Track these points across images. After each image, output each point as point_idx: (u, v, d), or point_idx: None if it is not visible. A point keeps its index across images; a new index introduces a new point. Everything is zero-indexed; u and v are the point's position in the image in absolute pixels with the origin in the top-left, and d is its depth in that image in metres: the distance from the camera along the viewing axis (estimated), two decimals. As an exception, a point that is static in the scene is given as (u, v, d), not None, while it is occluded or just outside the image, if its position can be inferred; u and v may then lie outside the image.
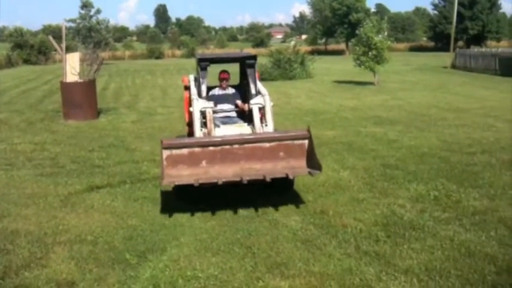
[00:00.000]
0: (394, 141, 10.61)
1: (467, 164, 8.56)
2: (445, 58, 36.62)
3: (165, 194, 7.01)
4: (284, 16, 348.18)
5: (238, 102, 7.83)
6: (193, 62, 8.59)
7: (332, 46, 76.58)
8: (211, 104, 7.09)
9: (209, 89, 7.71)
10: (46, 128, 12.88)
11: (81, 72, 14.46)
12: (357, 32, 25.17)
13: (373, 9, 71.75)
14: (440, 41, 64.54)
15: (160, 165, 6.09)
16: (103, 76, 27.46)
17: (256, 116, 7.03)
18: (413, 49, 70.25)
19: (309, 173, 6.18)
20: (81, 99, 14.00)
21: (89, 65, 14.92)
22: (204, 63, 7.35)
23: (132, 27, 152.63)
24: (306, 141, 6.31)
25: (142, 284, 4.57)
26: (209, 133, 6.75)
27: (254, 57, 7.61)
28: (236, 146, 6.19)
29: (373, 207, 6.58)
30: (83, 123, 13.46)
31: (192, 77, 7.93)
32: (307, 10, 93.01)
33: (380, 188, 7.39)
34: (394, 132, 11.66)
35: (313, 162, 6.19)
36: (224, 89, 8.01)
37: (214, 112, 7.32)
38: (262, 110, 7.16)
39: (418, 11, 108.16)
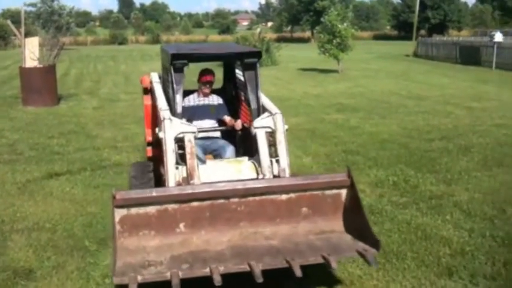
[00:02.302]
0: (356, 128, 10.77)
1: (426, 150, 8.77)
2: (408, 46, 37.21)
3: (126, 180, 6.94)
4: (250, 3, 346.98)
5: (226, 118, 5.61)
6: (158, 48, 7.70)
7: (298, 34, 76.84)
8: (192, 127, 4.55)
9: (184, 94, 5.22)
10: (4, 115, 12.53)
11: (41, 57, 14.09)
12: (321, 19, 25.25)
13: (338, -3, 72.06)
14: (403, 30, 65.53)
15: (112, 233, 3.75)
16: (64, 62, 26.86)
17: (263, 145, 4.56)
18: (377, 37, 71.04)
19: (360, 254, 3.77)
20: (41, 85, 13.66)
21: (48, 50, 14.55)
22: (179, 61, 4.71)
23: (95, 12, 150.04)
24: (344, 191, 4.13)
25: (101, 271, 4.53)
26: (191, 175, 4.29)
27: (257, 54, 5.02)
28: (235, 199, 3.98)
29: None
30: (43, 109, 13.15)
31: (155, 76, 5.84)
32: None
33: (341, 173, 7.49)
34: (356, 119, 11.83)
35: (361, 230, 3.92)
36: (205, 96, 5.71)
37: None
38: (271, 136, 4.73)
39: (382, 0, 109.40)
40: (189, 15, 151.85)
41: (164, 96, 5.09)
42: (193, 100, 5.68)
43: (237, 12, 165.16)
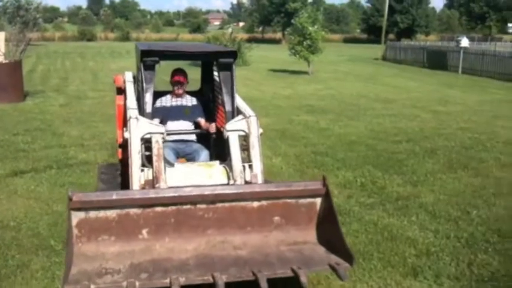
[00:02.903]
0: (325, 130, 10.87)
1: (393, 152, 8.91)
2: (377, 50, 37.78)
3: (93, 179, 6.84)
4: (222, 2, 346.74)
5: (201, 120, 5.39)
6: (128, 46, 7.64)
7: (269, 35, 77.13)
8: (160, 127, 4.30)
9: (156, 95, 5.09)
10: (-33, 110, 12.20)
11: (7, 52, 13.75)
12: (292, 21, 25.41)
13: (309, 0, 72.56)
14: (372, 33, 66.57)
15: (67, 237, 3.49)
16: (30, 57, 26.31)
17: (235, 149, 4.31)
18: (347, 40, 71.89)
19: (332, 268, 3.54)
20: (6, 81, 13.32)
21: (15, 45, 14.21)
22: (150, 59, 4.53)
23: (63, 7, 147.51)
24: (319, 200, 3.90)
25: (67, 271, 4.46)
26: (157, 178, 4.00)
27: (233, 54, 4.82)
28: (202, 205, 3.70)
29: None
30: (8, 106, 12.82)
31: (129, 76, 5.56)
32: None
33: (310, 174, 7.56)
34: (325, 120, 11.93)
35: (335, 243, 3.69)
36: (178, 97, 5.50)
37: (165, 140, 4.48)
38: (244, 140, 4.52)
39: (353, 4, 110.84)
40: (160, 13, 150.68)
41: (136, 97, 4.86)
42: (167, 101, 5.46)
43: (208, 12, 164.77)
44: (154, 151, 4.10)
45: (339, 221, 3.71)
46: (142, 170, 4.09)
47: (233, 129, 4.39)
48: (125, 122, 4.94)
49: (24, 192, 6.51)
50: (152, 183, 4.02)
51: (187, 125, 5.37)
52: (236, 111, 4.72)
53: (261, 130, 4.43)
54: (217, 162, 4.53)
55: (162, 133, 4.20)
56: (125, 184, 4.79)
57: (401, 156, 8.64)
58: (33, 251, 4.85)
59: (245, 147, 4.49)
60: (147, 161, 4.24)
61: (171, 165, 4.42)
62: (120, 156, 5.66)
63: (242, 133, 4.42)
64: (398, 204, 6.33)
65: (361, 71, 26.55)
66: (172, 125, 5.26)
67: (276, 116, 12.45)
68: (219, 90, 5.19)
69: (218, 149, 5.09)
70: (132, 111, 4.30)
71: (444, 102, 15.38)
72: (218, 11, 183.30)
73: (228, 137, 4.38)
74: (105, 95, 15.10)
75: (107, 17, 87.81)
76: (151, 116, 4.65)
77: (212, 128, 5.17)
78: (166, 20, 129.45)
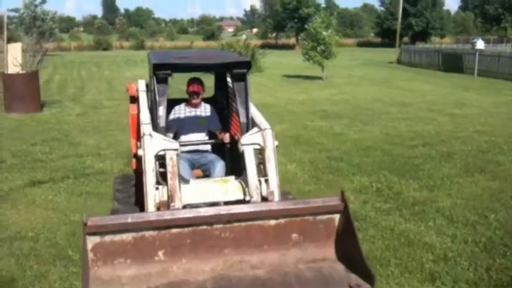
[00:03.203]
0: (340, 135, 10.84)
1: (409, 157, 8.86)
2: (391, 54, 37.59)
3: (109, 188, 6.90)
4: (235, 9, 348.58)
5: (216, 131, 5.29)
6: (143, 54, 7.62)
7: (282, 40, 77.20)
8: (174, 143, 4.16)
9: (171, 104, 4.99)
10: (-14, 122, 12.40)
11: (24, 63, 13.98)
12: (306, 26, 25.42)
13: (322, 5, 72.60)
14: (387, 37, 66.26)
15: (81, 262, 3.48)
16: (47, 68, 26.63)
17: (251, 164, 4.19)
18: (361, 45, 71.67)
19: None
20: (24, 91, 13.54)
21: (32, 56, 14.44)
22: (162, 72, 4.40)
23: (79, 17, 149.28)
24: (337, 216, 3.79)
25: (85, 280, 4.50)
26: (171, 197, 3.94)
27: (247, 64, 4.66)
28: (219, 225, 3.64)
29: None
30: (26, 116, 13.02)
31: (142, 85, 5.41)
32: (258, 4, 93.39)
33: (325, 180, 7.55)
34: (339, 125, 11.91)
35: (355, 260, 3.61)
36: (194, 107, 5.39)
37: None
38: (260, 153, 4.41)
39: (366, 7, 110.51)
40: (174, 21, 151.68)
41: (149, 107, 4.75)
42: (181, 111, 5.38)
43: (222, 19, 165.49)
44: (169, 168, 4.01)
45: (359, 238, 3.62)
46: (157, 188, 4.01)
47: (248, 143, 4.27)
48: (138, 135, 4.92)
49: (42, 202, 6.59)
50: (167, 203, 3.98)
51: (202, 136, 5.30)
52: (251, 123, 4.61)
53: (276, 143, 4.33)
54: (233, 177, 4.41)
55: (177, 149, 4.10)
56: (139, 196, 4.77)
57: (418, 161, 8.59)
58: (51, 261, 4.90)
59: (261, 161, 4.38)
60: (162, 177, 4.14)
61: (186, 181, 4.33)
62: (134, 166, 5.63)
63: (257, 146, 4.31)
64: (414, 209, 6.29)
65: (375, 75, 26.44)
66: (188, 136, 5.20)
67: (290, 122, 12.45)
68: (233, 98, 5.12)
69: (232, 160, 5.04)
70: (146, 127, 4.19)
71: (460, 105, 15.25)
72: (232, 18, 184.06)
73: (243, 151, 4.26)
74: (120, 104, 15.21)
75: (121, 26, 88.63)
76: (166, 128, 4.59)
77: (226, 138, 5.12)
78: (181, 27, 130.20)
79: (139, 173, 4.76)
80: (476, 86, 20.77)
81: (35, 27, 43.57)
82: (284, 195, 4.81)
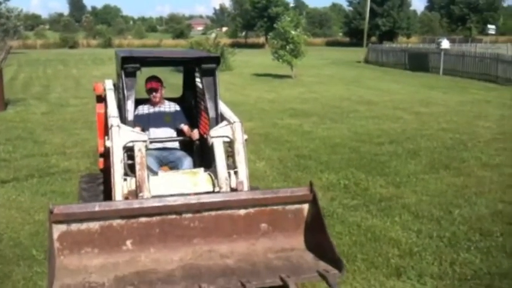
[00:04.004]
0: (309, 133, 10.92)
1: (376, 154, 8.98)
2: (359, 53, 37.99)
3: (75, 187, 6.79)
4: (204, 8, 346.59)
5: (184, 126, 5.24)
6: (110, 52, 7.54)
7: (252, 39, 77.14)
8: (143, 135, 4.21)
9: (136, 103, 4.89)
10: None
11: (-14, 61, 13.65)
12: (275, 25, 25.49)
13: (291, 4, 72.85)
14: (355, 37, 66.95)
15: (47, 251, 3.39)
16: (12, 65, 26.05)
17: (220, 156, 4.24)
18: (329, 44, 72.24)
19: (321, 276, 3.43)
20: (-14, 90, 13.22)
21: (-5, 54, 14.12)
22: (131, 65, 4.45)
23: (44, 15, 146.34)
24: (306, 206, 3.83)
25: (49, 280, 4.41)
26: (140, 187, 3.93)
27: (216, 60, 4.73)
28: (188, 215, 3.62)
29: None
30: (-12, 115, 12.72)
31: (109, 84, 5.38)
32: (227, 2, 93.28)
33: (294, 177, 7.59)
34: (308, 124, 11.99)
35: (324, 249, 3.63)
36: (156, 105, 5.33)
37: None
38: (229, 146, 4.44)
39: (335, 7, 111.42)
40: (143, 19, 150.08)
41: (117, 105, 4.69)
42: (145, 109, 5.30)
43: (191, 17, 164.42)
44: (137, 160, 3.99)
45: (327, 227, 3.64)
46: (125, 180, 3.99)
47: (217, 136, 4.30)
48: (106, 131, 4.85)
49: (5, 201, 6.44)
50: (135, 193, 3.95)
51: (170, 132, 5.26)
52: (220, 118, 4.63)
53: (245, 136, 4.35)
54: (202, 169, 4.42)
55: (145, 141, 4.10)
56: (108, 194, 4.70)
57: (384, 158, 8.71)
58: (15, 261, 4.81)
59: (230, 154, 4.42)
60: (130, 169, 4.12)
61: (155, 173, 4.32)
62: (101, 165, 5.57)
63: (227, 139, 4.33)
64: (381, 206, 6.38)
65: (344, 74, 26.70)
66: (155, 133, 5.15)
67: (259, 120, 12.47)
68: (201, 97, 5.13)
69: (202, 156, 5.03)
70: (114, 119, 4.17)
71: (426, 104, 15.53)
72: (201, 17, 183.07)
73: (212, 144, 4.28)
74: (87, 102, 14.96)
75: (88, 24, 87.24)
76: (133, 124, 4.57)
77: (195, 134, 5.08)
78: (149, 26, 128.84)
79: (106, 170, 4.72)
80: (442, 85, 21.18)
81: None
82: (253, 189, 4.81)
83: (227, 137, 4.32)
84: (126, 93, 4.45)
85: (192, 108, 5.56)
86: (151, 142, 4.69)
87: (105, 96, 5.21)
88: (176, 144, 5.25)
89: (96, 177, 5.69)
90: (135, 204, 3.55)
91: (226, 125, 4.39)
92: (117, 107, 4.74)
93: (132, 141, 4.05)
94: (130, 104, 4.47)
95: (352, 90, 19.16)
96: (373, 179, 7.46)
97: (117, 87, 5.06)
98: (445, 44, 26.34)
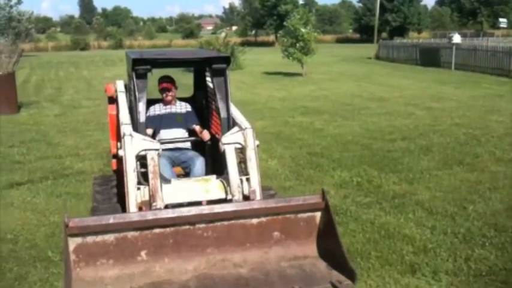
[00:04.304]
0: (320, 130, 10.90)
1: (388, 151, 8.94)
2: (370, 49, 37.78)
3: (89, 189, 6.84)
4: (214, 7, 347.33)
5: (195, 127, 5.29)
6: (121, 53, 7.60)
7: (262, 38, 77.13)
8: (155, 143, 4.19)
9: (148, 104, 4.91)
10: (-39, 124, 12.18)
11: (0, 64, 13.76)
12: (284, 23, 25.45)
13: (301, 1, 72.67)
14: (365, 33, 66.66)
15: (63, 263, 3.45)
16: (24, 68, 26.29)
17: (232, 163, 4.23)
18: (339, 41, 72.04)
19: (334, 286, 3.48)
20: (0, 93, 13.33)
21: (7, 57, 14.21)
22: (142, 67, 4.44)
23: (55, 17, 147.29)
24: (318, 214, 3.83)
25: (65, 281, 4.46)
26: (153, 196, 3.95)
27: (226, 60, 4.71)
28: (201, 225, 3.67)
29: (299, 194, 6.71)
30: (2, 117, 12.79)
31: (120, 85, 5.40)
32: (236, 1, 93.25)
33: (306, 175, 7.58)
34: (320, 121, 11.96)
35: (336, 258, 3.64)
36: (168, 104, 5.38)
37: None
38: (241, 152, 4.45)
39: (344, 4, 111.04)
40: (153, 20, 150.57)
41: (128, 106, 4.73)
42: (157, 109, 5.34)
43: (201, 17, 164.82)
44: (150, 168, 4.02)
45: (340, 235, 3.63)
46: (138, 189, 4.01)
47: (229, 143, 4.30)
48: (118, 136, 4.88)
49: (20, 204, 6.50)
50: (149, 203, 3.97)
51: (181, 133, 5.27)
52: (231, 120, 4.62)
53: (257, 142, 4.35)
54: (214, 176, 4.43)
55: (158, 149, 4.12)
56: (121, 196, 4.73)
57: (397, 155, 8.67)
58: (31, 262, 4.84)
59: (242, 160, 4.41)
60: (143, 177, 4.14)
61: (168, 181, 4.33)
62: (114, 166, 5.61)
63: (238, 146, 4.33)
64: (394, 202, 6.35)
65: (354, 70, 26.60)
66: (166, 133, 5.17)
67: (270, 118, 12.47)
68: (212, 97, 5.14)
69: (213, 156, 5.03)
70: (126, 127, 4.18)
71: (438, 99, 15.42)
72: (211, 16, 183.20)
73: (224, 150, 4.28)
74: (99, 104, 15.07)
75: (99, 26, 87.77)
76: (145, 126, 4.59)
77: (206, 135, 5.09)
78: (159, 26, 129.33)
79: (120, 173, 4.74)
80: (454, 80, 21.02)
81: (11, 28, 42.89)
82: (266, 190, 4.83)
83: (239, 143, 4.33)
84: (138, 95, 4.47)
85: (203, 108, 5.58)
86: (162, 143, 4.74)
87: (116, 97, 5.24)
88: (188, 145, 5.28)
89: (109, 179, 5.73)
90: (149, 215, 3.60)
91: (237, 131, 4.39)
92: (129, 108, 4.79)
93: (145, 150, 4.08)
94: (142, 106, 4.50)
95: (363, 87, 19.08)
96: (386, 176, 7.43)
97: (128, 89, 5.09)
98: (457, 38, 26.12)
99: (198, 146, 5.25)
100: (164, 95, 5.32)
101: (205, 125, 5.38)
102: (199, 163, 5.01)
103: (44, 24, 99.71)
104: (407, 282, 4.39)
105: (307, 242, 3.82)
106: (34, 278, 4.55)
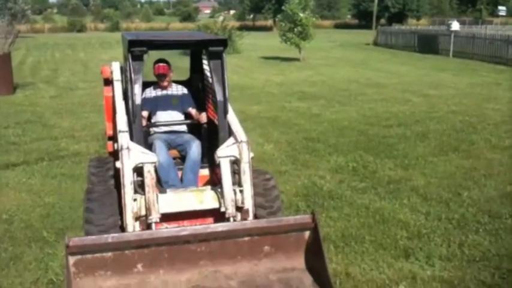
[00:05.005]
0: (317, 116, 10.89)
1: (384, 136, 8.95)
2: (368, 35, 37.66)
3: (84, 170, 6.82)
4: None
5: (191, 110, 5.27)
6: (118, 36, 7.44)
7: (260, 22, 76.59)
8: (152, 156, 4.24)
9: (143, 86, 4.80)
10: (-44, 104, 12.13)
11: (-5, 45, 13.68)
12: (283, 8, 25.28)
13: (299, -14, 72.05)
14: (363, 19, 66.19)
15: (64, 276, 3.68)
16: (20, 49, 26.11)
17: (227, 176, 4.29)
18: (338, 26, 71.61)
19: None
20: (-5, 74, 13.28)
21: (3, 38, 14.11)
22: (138, 49, 4.40)
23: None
24: (307, 233, 3.97)
25: (60, 261, 4.46)
26: (149, 210, 4.07)
27: (223, 42, 4.66)
28: (195, 242, 3.84)
29: (295, 178, 6.75)
30: (-2, 98, 12.78)
31: (116, 67, 5.37)
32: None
33: (302, 160, 7.59)
34: (317, 106, 11.95)
35: (320, 276, 3.81)
36: (165, 88, 5.29)
37: (151, 130, 4.96)
38: (235, 163, 4.47)
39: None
40: (150, 3, 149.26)
41: (123, 88, 4.67)
42: (152, 92, 5.25)
43: (198, 0, 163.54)
44: (147, 181, 4.10)
45: (326, 255, 3.76)
46: (135, 199, 4.10)
47: (225, 156, 4.34)
48: (113, 118, 4.89)
49: (16, 184, 6.51)
50: (145, 216, 4.09)
51: (177, 115, 5.23)
52: (228, 132, 4.62)
53: (252, 154, 4.39)
54: (209, 187, 4.56)
55: (154, 162, 4.18)
56: (117, 181, 4.70)
57: (393, 141, 8.68)
58: (26, 243, 4.87)
59: (236, 171, 4.48)
60: (140, 187, 4.22)
61: (163, 192, 4.43)
62: (110, 148, 5.61)
63: (233, 158, 4.38)
64: (389, 188, 6.38)
65: (352, 56, 26.53)
66: (162, 116, 5.13)
67: (267, 103, 12.43)
68: (208, 80, 5.10)
69: (209, 139, 5.03)
70: (123, 137, 4.21)
71: (435, 86, 15.41)
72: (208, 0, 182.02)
73: (219, 163, 4.34)
74: (96, 86, 14.96)
75: (96, 8, 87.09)
76: (140, 108, 4.57)
77: (203, 117, 5.06)
78: (157, 9, 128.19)
79: (115, 154, 4.78)
80: (452, 67, 20.99)
81: (7, 9, 42.52)
82: (262, 174, 4.83)
83: (234, 156, 4.37)
84: (134, 77, 4.44)
85: (199, 91, 5.53)
86: (158, 125, 4.79)
87: (112, 80, 5.24)
88: (184, 128, 5.24)
89: (104, 161, 5.70)
90: (145, 235, 3.75)
91: (233, 143, 4.41)
92: (124, 90, 4.77)
93: (142, 163, 4.13)
94: (138, 88, 4.47)
95: (360, 73, 19.04)
96: (382, 162, 7.45)
97: (124, 71, 5.03)
98: (455, 25, 26.04)
99: (194, 129, 5.21)
100: (160, 80, 5.23)
101: (202, 108, 5.34)
102: (195, 146, 4.97)
103: (40, 6, 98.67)
104: (401, 267, 4.43)
105: (295, 255, 3.97)
106: (29, 258, 4.57)
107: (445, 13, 73.28)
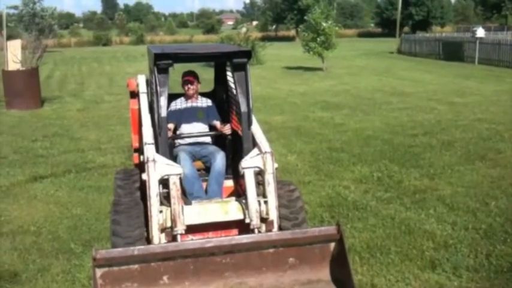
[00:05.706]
0: (340, 125, 10.85)
1: (409, 146, 8.86)
2: (392, 43, 37.46)
3: (111, 182, 6.92)
4: (234, 2, 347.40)
5: (216, 122, 5.29)
6: (143, 49, 7.55)
7: (282, 32, 76.86)
8: (177, 168, 4.29)
9: (169, 98, 4.94)
10: (-13, 118, 12.43)
11: (24, 60, 13.97)
12: (305, 18, 25.33)
13: (321, -5, 72.14)
14: (387, 27, 65.94)
15: (92, 287, 3.75)
16: (47, 64, 26.60)
17: (251, 187, 4.30)
18: (361, 35, 71.39)
19: None
20: (24, 88, 13.57)
21: (31, 53, 14.44)
22: (163, 62, 4.46)
23: (78, 13, 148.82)
24: (332, 244, 3.95)
25: (87, 273, 4.52)
26: (174, 222, 4.12)
27: (247, 54, 4.70)
28: (220, 254, 3.87)
29: (319, 189, 6.73)
30: (26, 112, 13.05)
31: (142, 80, 5.51)
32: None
33: (326, 170, 7.56)
34: (340, 116, 11.91)
35: (343, 285, 3.81)
36: (190, 99, 5.34)
37: (176, 142, 5.03)
38: (260, 174, 4.49)
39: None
40: (174, 15, 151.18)
41: (149, 101, 4.72)
42: (178, 104, 5.33)
43: (221, 12, 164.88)
44: (172, 193, 4.16)
45: (351, 267, 3.75)
46: (161, 211, 4.15)
47: (249, 167, 4.36)
48: (139, 130, 4.97)
49: (43, 197, 6.63)
50: (171, 228, 4.14)
51: (202, 127, 5.28)
52: (252, 143, 4.65)
53: (276, 165, 4.40)
54: (233, 198, 4.60)
55: (179, 174, 4.24)
56: (143, 193, 4.74)
57: (418, 150, 8.59)
58: (54, 254, 4.95)
59: (260, 182, 4.50)
60: (165, 198, 4.28)
61: (188, 203, 4.47)
62: (136, 160, 5.69)
63: (257, 169, 4.39)
64: (415, 198, 6.31)
65: (376, 65, 26.38)
66: (187, 128, 5.20)
67: (291, 113, 12.44)
68: (233, 91, 5.14)
69: (234, 150, 5.06)
70: (150, 150, 4.28)
71: (461, 94, 15.22)
72: (231, 11, 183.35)
73: (243, 174, 4.37)
74: (121, 99, 15.22)
75: (121, 21, 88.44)
76: (166, 121, 4.64)
77: (227, 129, 5.10)
78: (180, 21, 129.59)
79: (141, 166, 4.83)
80: (477, 75, 20.71)
81: (34, 24, 43.42)
82: (285, 185, 4.83)
83: (258, 167, 4.39)
84: (159, 90, 4.50)
85: (223, 102, 5.58)
86: (183, 137, 4.86)
87: (137, 92, 5.34)
88: (209, 139, 5.28)
89: (130, 173, 5.78)
90: (171, 247, 3.82)
91: (257, 154, 4.43)
92: (149, 102, 4.85)
93: (168, 175, 4.18)
94: (163, 100, 4.53)
95: (384, 82, 18.92)
96: (407, 171, 7.38)
97: (150, 83, 5.12)
98: (480, 32, 25.70)
99: (218, 140, 5.25)
100: (186, 87, 5.29)
101: (226, 119, 5.40)
102: (219, 158, 5.00)
103: (66, 20, 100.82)
104: (427, 278, 4.37)
105: (320, 267, 3.95)
106: (57, 270, 4.64)
107: (469, 20, 72.54)
